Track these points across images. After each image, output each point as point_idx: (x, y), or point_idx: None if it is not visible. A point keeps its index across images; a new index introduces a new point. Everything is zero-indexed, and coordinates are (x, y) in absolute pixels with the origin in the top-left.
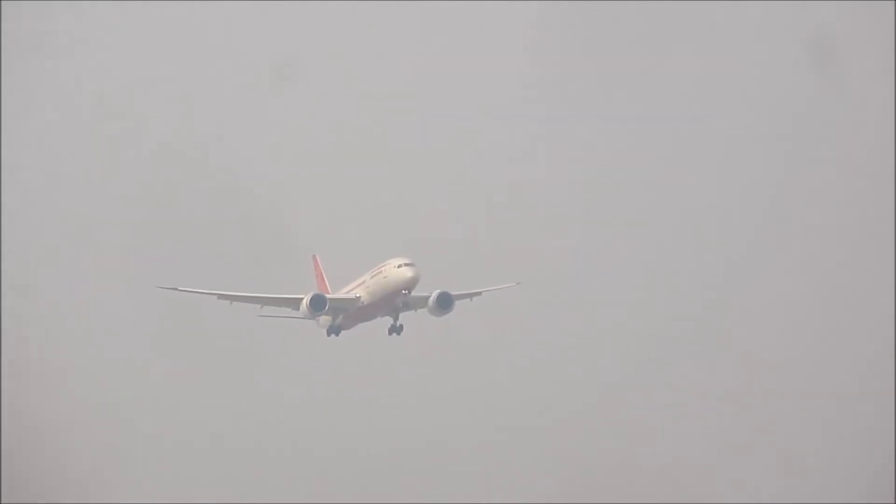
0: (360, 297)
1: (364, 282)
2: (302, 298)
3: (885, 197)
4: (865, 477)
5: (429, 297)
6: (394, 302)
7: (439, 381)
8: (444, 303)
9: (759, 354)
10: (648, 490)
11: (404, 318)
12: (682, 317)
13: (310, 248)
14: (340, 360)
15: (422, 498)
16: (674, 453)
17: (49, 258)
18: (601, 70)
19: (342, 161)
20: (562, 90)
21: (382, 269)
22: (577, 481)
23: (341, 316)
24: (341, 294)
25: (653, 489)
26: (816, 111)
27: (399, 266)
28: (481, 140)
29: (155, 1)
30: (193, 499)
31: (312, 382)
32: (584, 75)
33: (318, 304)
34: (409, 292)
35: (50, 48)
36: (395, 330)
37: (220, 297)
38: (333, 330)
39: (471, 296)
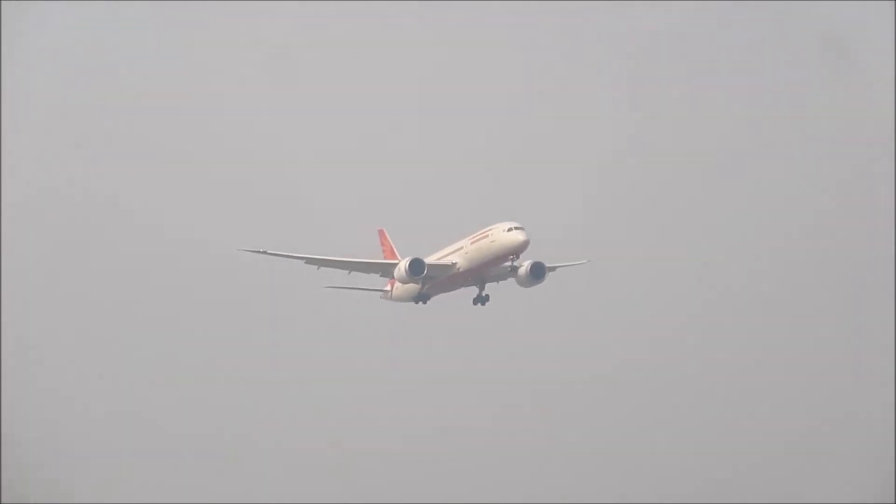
0: (456, 263)
1: (462, 248)
2: (397, 263)
3: (886, 193)
4: (865, 477)
5: (518, 267)
6: (494, 269)
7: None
8: (538, 273)
9: (759, 353)
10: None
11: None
12: (681, 316)
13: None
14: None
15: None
16: (673, 452)
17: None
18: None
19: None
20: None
21: (488, 233)
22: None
23: (428, 284)
24: (436, 259)
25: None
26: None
27: (509, 230)
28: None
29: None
30: (190, 498)
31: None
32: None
33: (417, 267)
34: (518, 257)
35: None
36: (481, 300)
37: (308, 261)
38: (422, 298)
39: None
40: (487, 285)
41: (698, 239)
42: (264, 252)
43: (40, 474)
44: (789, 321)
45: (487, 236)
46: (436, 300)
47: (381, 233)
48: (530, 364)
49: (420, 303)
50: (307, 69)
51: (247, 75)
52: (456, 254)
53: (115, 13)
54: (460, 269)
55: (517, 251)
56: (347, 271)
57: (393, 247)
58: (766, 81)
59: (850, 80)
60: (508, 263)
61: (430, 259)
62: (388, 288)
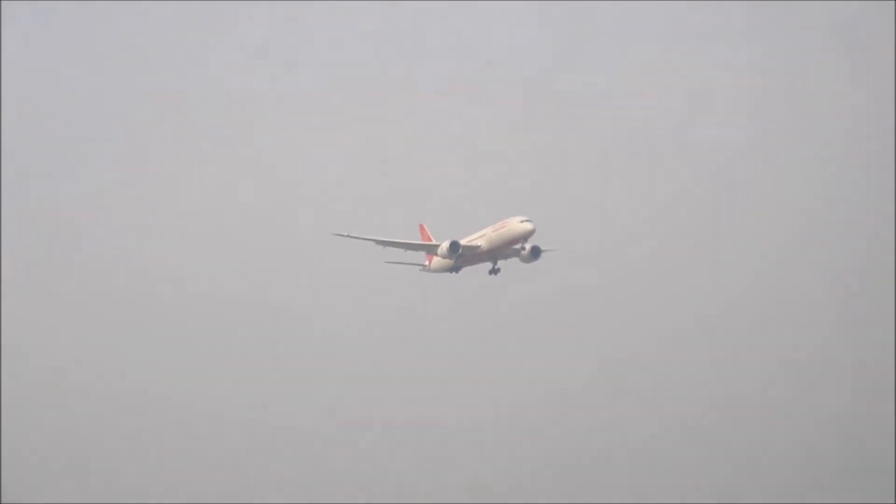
0: (480, 245)
1: (485, 234)
2: (440, 244)
3: (886, 193)
4: (865, 477)
5: (523, 249)
6: (507, 250)
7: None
8: (536, 253)
9: (760, 353)
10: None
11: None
12: (682, 316)
13: None
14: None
15: None
16: (673, 452)
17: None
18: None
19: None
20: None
21: (506, 224)
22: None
23: (459, 260)
24: (466, 242)
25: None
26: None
27: (521, 221)
28: None
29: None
30: (192, 497)
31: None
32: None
33: (455, 247)
34: (526, 241)
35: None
36: (494, 272)
37: (377, 242)
38: (454, 269)
39: None
40: (499, 262)
41: (698, 238)
42: (348, 235)
43: (40, 474)
44: (789, 321)
45: (505, 226)
46: (463, 271)
47: (421, 227)
48: (531, 359)
49: (452, 272)
50: (318, 74)
51: (260, 75)
52: (481, 238)
53: (115, 13)
54: (483, 249)
55: (526, 237)
56: (404, 249)
57: (430, 235)
58: (766, 80)
59: (850, 79)
60: (518, 246)
61: (463, 241)
62: (427, 263)
